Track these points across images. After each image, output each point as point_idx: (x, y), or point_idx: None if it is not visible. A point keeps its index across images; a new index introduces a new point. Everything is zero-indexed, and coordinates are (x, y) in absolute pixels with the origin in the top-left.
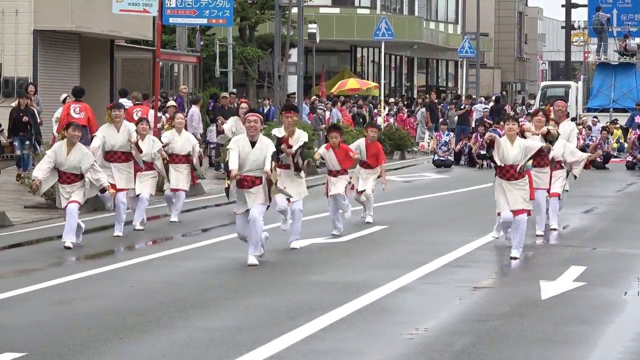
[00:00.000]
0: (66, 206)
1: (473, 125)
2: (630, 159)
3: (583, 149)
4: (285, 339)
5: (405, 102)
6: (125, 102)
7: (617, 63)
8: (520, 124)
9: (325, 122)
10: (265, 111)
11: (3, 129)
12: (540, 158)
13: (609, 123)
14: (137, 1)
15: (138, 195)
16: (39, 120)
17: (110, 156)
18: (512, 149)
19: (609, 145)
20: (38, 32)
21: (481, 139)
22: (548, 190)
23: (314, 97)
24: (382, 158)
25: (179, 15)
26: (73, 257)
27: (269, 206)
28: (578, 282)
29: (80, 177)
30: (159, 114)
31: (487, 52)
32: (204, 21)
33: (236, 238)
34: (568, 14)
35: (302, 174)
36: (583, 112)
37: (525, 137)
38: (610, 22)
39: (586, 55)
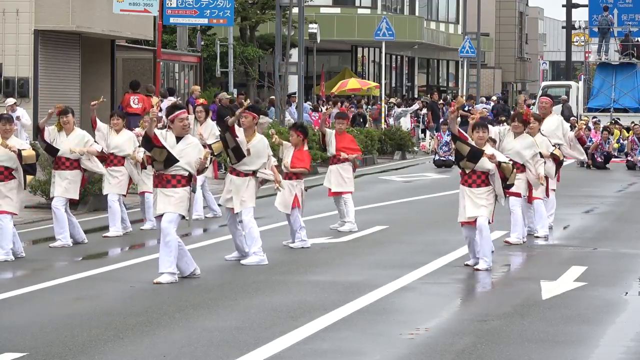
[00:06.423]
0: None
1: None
2: (631, 159)
3: (585, 150)
4: (285, 339)
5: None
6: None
7: (617, 63)
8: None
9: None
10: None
11: None
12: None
13: (610, 123)
14: (137, 1)
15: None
16: None
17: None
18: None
19: (610, 145)
20: (39, 32)
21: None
22: (530, 196)
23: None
24: (355, 149)
25: (179, 15)
26: (73, 257)
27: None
28: (579, 282)
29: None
30: (160, 114)
31: (487, 52)
32: (205, 21)
33: None
34: (569, 14)
35: (252, 179)
36: (584, 112)
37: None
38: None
39: (587, 55)
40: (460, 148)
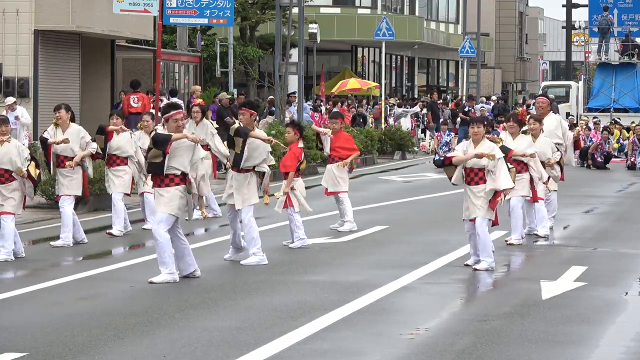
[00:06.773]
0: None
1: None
2: (632, 160)
3: (585, 150)
4: (285, 339)
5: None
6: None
7: (617, 63)
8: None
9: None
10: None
11: None
12: (516, 163)
13: (610, 123)
14: (137, 1)
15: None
16: None
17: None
18: (474, 151)
19: (610, 145)
20: (39, 32)
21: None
22: (533, 196)
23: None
24: (353, 148)
25: (179, 15)
26: (73, 257)
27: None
28: (579, 282)
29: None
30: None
31: (487, 52)
32: (205, 21)
33: None
34: (569, 14)
35: (253, 175)
36: (584, 112)
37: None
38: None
39: (587, 55)
40: (447, 171)
